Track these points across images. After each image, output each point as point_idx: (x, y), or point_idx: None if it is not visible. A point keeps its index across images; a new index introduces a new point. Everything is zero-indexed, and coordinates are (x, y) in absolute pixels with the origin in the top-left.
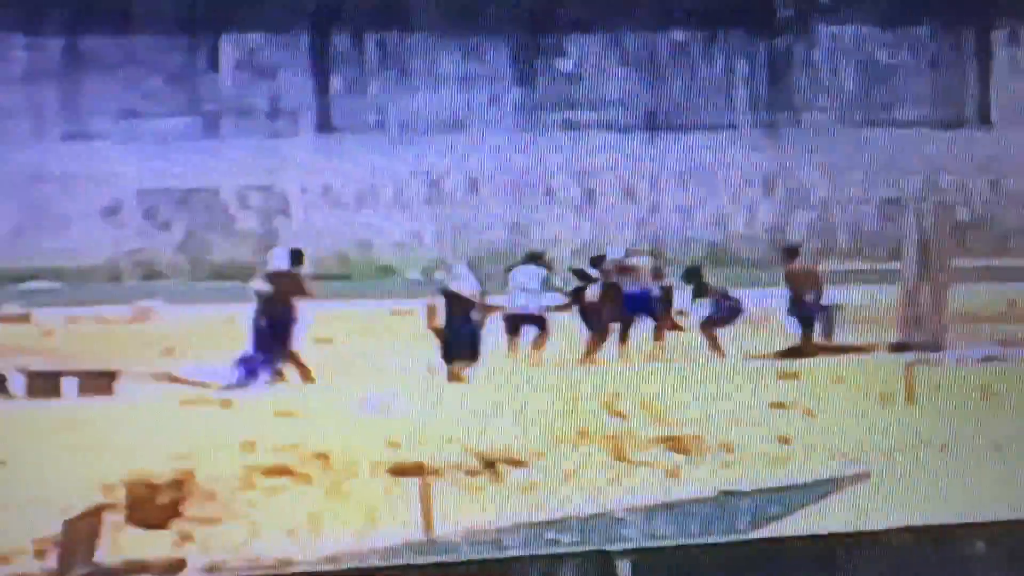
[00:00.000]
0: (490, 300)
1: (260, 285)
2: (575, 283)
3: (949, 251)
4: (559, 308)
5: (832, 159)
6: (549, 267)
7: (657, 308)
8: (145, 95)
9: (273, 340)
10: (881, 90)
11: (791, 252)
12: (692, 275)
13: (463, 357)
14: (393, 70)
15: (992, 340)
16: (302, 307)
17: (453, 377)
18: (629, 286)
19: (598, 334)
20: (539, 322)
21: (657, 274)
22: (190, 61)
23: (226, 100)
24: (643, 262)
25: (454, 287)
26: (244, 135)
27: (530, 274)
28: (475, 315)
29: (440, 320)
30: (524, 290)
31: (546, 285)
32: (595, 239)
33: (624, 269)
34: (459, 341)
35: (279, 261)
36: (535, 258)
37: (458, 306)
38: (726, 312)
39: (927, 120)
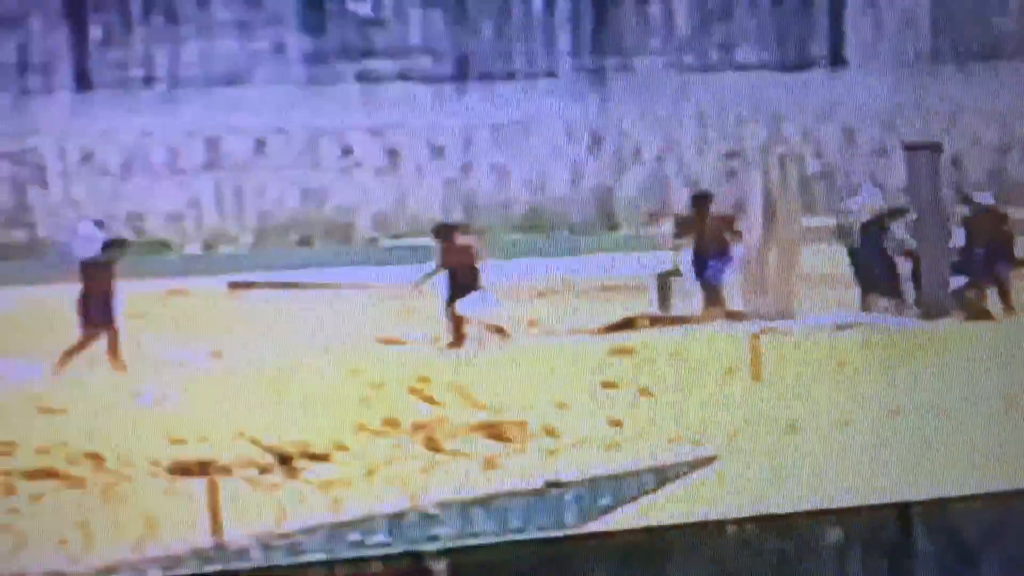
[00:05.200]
0: None
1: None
2: None
3: (798, 208)
4: None
5: (666, 109)
6: None
7: None
8: None
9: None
10: (719, 30)
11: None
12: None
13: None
14: (160, 16)
15: (846, 306)
16: None
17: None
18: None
19: None
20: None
21: None
22: None
23: None
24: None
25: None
26: None
27: None
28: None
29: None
30: None
31: None
32: (399, 204)
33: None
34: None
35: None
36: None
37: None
38: None
39: (771, 62)
